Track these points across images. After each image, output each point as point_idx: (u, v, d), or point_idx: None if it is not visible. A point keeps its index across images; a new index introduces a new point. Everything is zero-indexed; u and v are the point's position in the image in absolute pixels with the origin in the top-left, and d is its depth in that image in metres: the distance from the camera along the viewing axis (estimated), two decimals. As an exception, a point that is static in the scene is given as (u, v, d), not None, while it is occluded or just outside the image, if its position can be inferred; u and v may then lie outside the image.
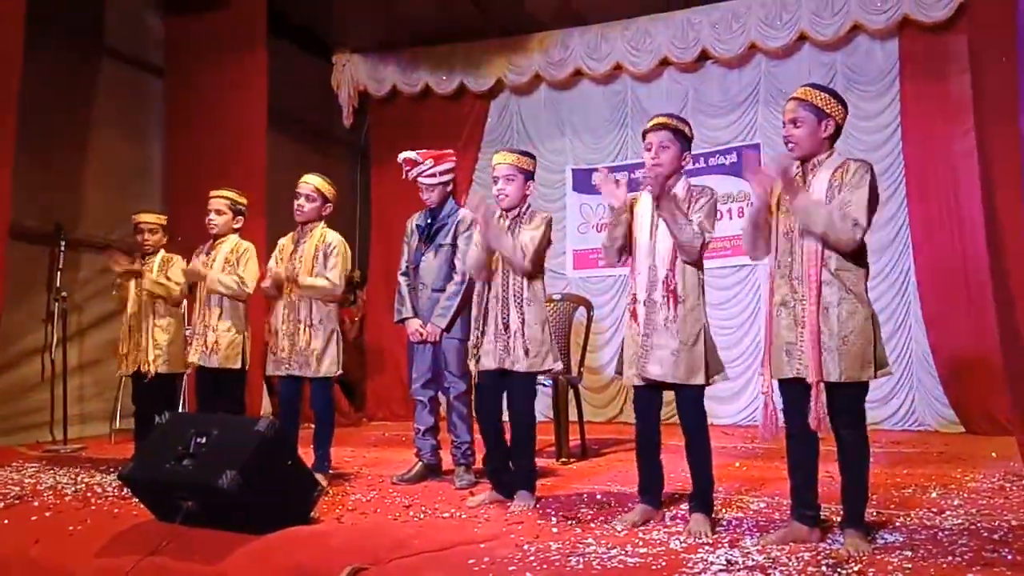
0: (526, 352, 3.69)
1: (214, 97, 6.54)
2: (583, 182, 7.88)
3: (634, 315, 3.33)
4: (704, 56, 7.31)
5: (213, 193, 4.61)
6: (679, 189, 3.34)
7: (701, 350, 3.22)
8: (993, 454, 5.02)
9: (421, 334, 4.43)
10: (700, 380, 3.22)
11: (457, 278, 4.40)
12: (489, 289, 3.80)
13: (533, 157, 3.92)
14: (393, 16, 7.69)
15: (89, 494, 4.02)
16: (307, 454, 4.27)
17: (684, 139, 3.35)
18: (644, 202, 3.42)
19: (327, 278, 4.29)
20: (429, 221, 4.54)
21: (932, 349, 6.48)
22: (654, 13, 7.31)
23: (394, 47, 8.17)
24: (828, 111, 3.00)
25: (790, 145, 3.03)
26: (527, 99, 8.18)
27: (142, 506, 3.44)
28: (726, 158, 7.34)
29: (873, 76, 6.89)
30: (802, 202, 2.91)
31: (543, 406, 5.51)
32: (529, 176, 3.84)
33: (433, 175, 4.45)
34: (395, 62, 8.21)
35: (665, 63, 7.46)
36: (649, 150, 3.36)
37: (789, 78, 6.87)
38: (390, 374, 8.13)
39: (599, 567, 2.67)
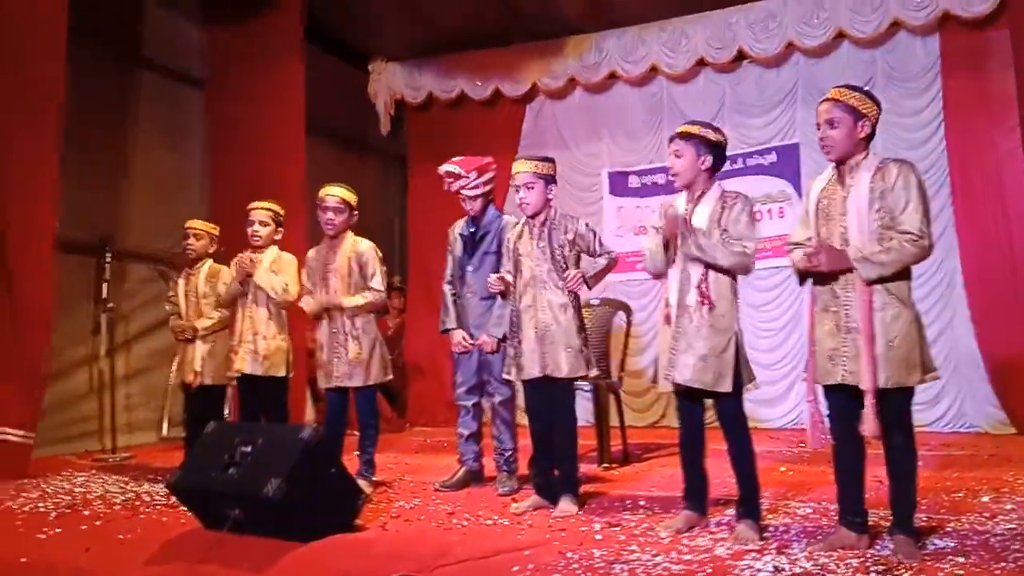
0: (564, 359, 3.69)
1: (253, 107, 6.63)
2: (619, 185, 7.86)
3: (667, 320, 3.32)
4: (741, 56, 7.25)
5: (255, 205, 4.66)
6: (711, 196, 3.31)
7: (731, 357, 3.18)
8: (1046, 456, 4.92)
9: (464, 346, 4.45)
10: (727, 387, 3.17)
11: None
12: (523, 299, 3.80)
13: (552, 161, 3.91)
14: (428, 24, 7.73)
15: (138, 502, 4.09)
16: (352, 461, 4.32)
17: (703, 143, 3.30)
18: (678, 207, 3.39)
19: (371, 288, 4.35)
20: (472, 230, 4.54)
21: (981, 349, 6.35)
22: (690, 14, 7.27)
23: (429, 54, 8.22)
24: (864, 111, 2.95)
25: (826, 147, 2.98)
26: (562, 103, 8.17)
27: (190, 514, 3.49)
28: (765, 158, 7.28)
29: (914, 73, 6.78)
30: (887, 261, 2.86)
31: (584, 411, 5.48)
32: (550, 180, 3.83)
33: (476, 187, 4.45)
34: (431, 69, 8.26)
35: (701, 64, 7.42)
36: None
37: (828, 76, 6.78)
38: (431, 380, 8.16)
39: (643, 575, 2.65)
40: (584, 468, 4.73)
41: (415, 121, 8.61)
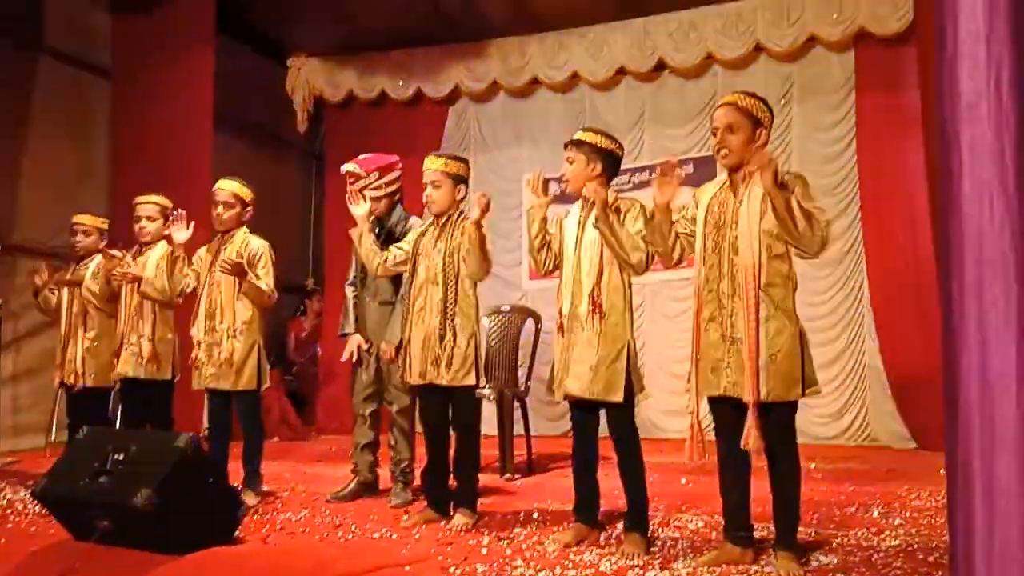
0: (448, 365, 3.59)
1: (160, 98, 6.42)
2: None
3: (560, 329, 3.27)
4: (661, 66, 7.26)
5: (141, 199, 4.48)
6: None
7: (622, 367, 3.13)
8: (941, 471, 4.91)
9: (352, 354, 4.34)
10: (618, 397, 3.12)
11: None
12: (417, 301, 3.69)
13: (465, 162, 3.84)
14: (350, 20, 7.57)
15: (9, 511, 3.89)
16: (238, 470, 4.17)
17: (594, 150, 3.29)
18: (571, 216, 3.37)
19: (267, 284, 4.18)
20: (376, 230, 4.41)
21: (885, 364, 6.41)
22: (611, 21, 7.25)
23: (351, 52, 8.05)
24: (763, 120, 2.94)
25: (724, 152, 2.95)
26: (485, 106, 8.08)
27: (60, 524, 3.31)
28: (682, 168, 7.23)
29: (829, 88, 6.85)
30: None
31: (488, 416, 5.40)
32: (459, 181, 3.74)
33: (379, 187, 4.32)
34: (352, 67, 8.08)
35: (623, 72, 7.40)
36: None
37: (745, 88, 6.80)
38: (342, 386, 7.94)
39: (522, 591, 2.59)
40: (485, 478, 4.65)
41: (334, 119, 8.42)
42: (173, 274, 4.21)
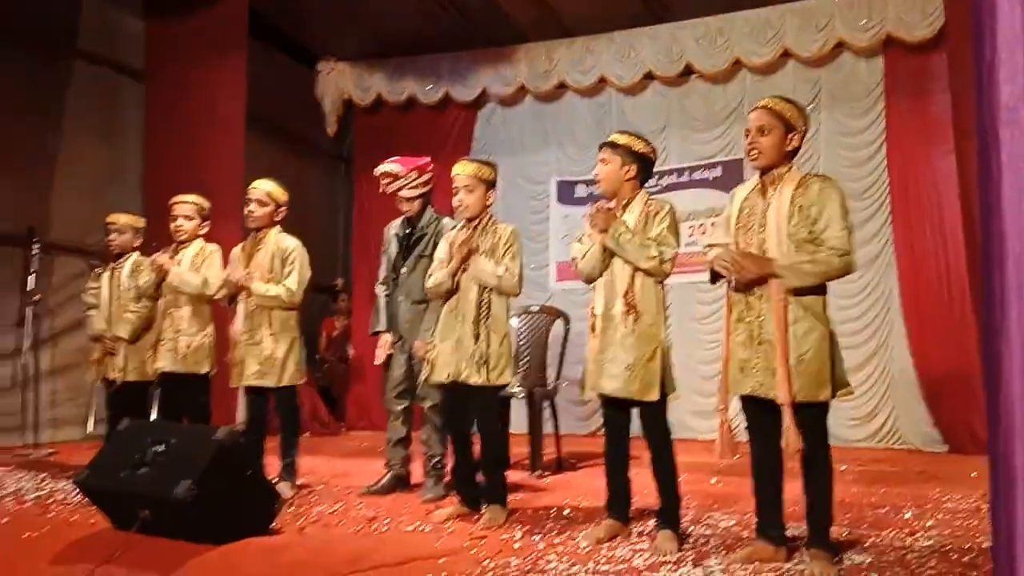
0: (484, 365, 3.62)
1: (193, 101, 6.51)
2: (567, 194, 7.85)
3: (593, 329, 3.30)
4: (689, 70, 7.29)
5: (178, 199, 4.57)
6: (636, 204, 3.30)
7: (657, 367, 3.17)
8: (973, 474, 4.92)
9: (385, 352, 4.40)
10: (654, 396, 3.16)
11: None
12: (448, 302, 3.74)
13: (494, 166, 3.87)
14: (379, 25, 7.67)
15: (50, 500, 3.97)
16: (275, 464, 4.24)
17: (628, 153, 3.31)
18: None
19: (285, 285, 4.23)
20: (408, 231, 4.47)
21: (916, 367, 6.41)
22: (639, 27, 7.28)
23: (380, 56, 8.15)
24: (795, 124, 2.96)
25: (754, 153, 2.97)
26: (513, 110, 8.15)
27: (101, 513, 3.37)
28: (710, 172, 7.31)
29: (858, 93, 6.86)
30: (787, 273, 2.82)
31: (519, 418, 5.44)
32: (490, 186, 3.78)
33: (416, 187, 4.38)
34: (380, 71, 8.18)
35: (650, 77, 7.45)
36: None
37: (773, 94, 6.82)
38: (373, 383, 8.04)
39: (557, 584, 2.62)
40: (515, 476, 4.70)
41: (363, 123, 8.52)
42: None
